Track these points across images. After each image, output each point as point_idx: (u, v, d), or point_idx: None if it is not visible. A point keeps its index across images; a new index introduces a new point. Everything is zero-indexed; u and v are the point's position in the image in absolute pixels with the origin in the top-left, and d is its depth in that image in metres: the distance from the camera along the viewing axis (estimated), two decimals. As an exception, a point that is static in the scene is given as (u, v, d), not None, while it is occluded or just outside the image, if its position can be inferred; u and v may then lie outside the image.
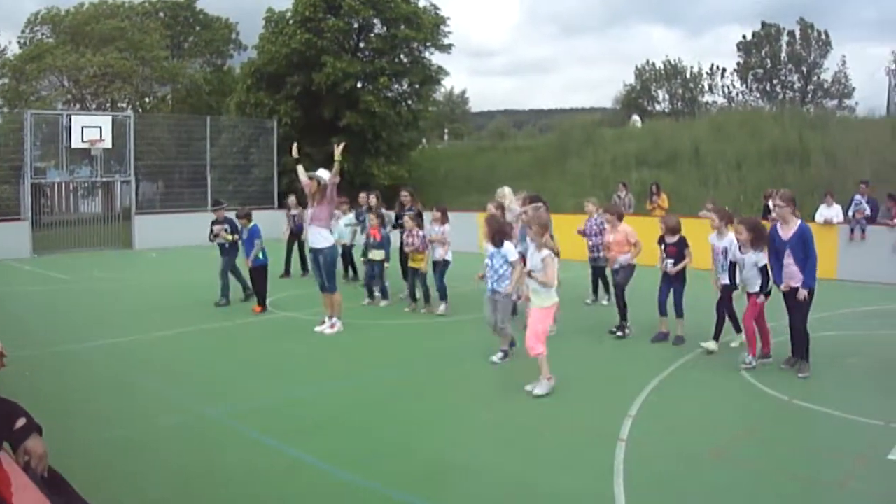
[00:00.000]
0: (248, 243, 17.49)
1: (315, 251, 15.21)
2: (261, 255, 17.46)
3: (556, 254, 11.60)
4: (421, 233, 17.16)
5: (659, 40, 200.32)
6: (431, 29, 42.09)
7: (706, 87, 75.66)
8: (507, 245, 12.52)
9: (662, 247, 14.06)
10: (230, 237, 18.17)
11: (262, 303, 17.41)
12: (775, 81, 72.38)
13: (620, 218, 15.12)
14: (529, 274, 11.25)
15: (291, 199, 23.66)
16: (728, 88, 74.66)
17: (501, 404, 10.66)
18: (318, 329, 15.15)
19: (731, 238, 13.07)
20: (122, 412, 10.17)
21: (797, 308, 11.60)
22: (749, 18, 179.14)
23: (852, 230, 23.22)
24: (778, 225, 11.61)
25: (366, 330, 15.64)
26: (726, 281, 13.23)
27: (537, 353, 10.97)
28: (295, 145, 17.14)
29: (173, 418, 9.85)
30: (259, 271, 17.48)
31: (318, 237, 15.01)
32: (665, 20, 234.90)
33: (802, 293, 11.34)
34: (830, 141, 33.51)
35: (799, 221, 11.67)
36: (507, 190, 16.69)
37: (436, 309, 17.10)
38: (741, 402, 10.65)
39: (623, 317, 14.77)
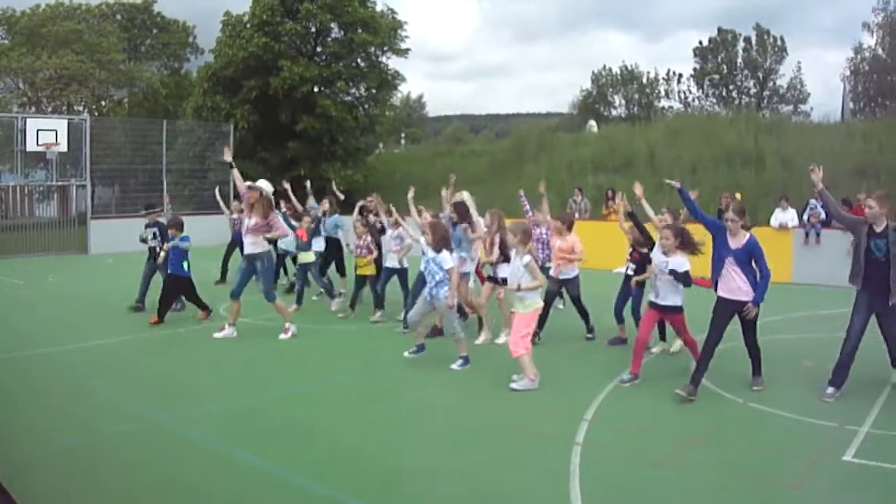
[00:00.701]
0: (175, 253, 16.71)
1: (253, 257, 14.99)
2: (186, 267, 16.82)
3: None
4: (368, 238, 16.94)
5: (617, 45, 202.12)
6: (388, 33, 42.14)
7: (662, 93, 76.37)
8: (444, 253, 12.77)
9: (628, 253, 14.18)
10: (163, 253, 17.37)
11: (203, 307, 17.11)
12: (731, 87, 73.10)
13: (570, 226, 14.92)
14: (518, 288, 11.38)
15: (235, 205, 23.03)
16: (684, 94, 75.57)
17: (458, 409, 10.67)
18: (217, 335, 15.05)
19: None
20: (73, 419, 10.04)
21: (745, 324, 11.24)
22: (707, 24, 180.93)
23: (807, 234, 23.50)
24: (726, 232, 11.27)
25: (321, 335, 15.60)
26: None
27: (519, 354, 11.26)
28: (227, 149, 16.50)
29: (126, 425, 9.75)
30: (177, 281, 16.78)
31: (256, 243, 14.95)
32: (623, 25, 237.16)
33: (751, 308, 10.92)
34: (786, 146, 33.77)
35: (748, 235, 11.25)
36: (465, 195, 16.48)
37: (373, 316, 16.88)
38: (696, 405, 10.66)
39: (587, 323, 14.96)
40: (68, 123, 33.91)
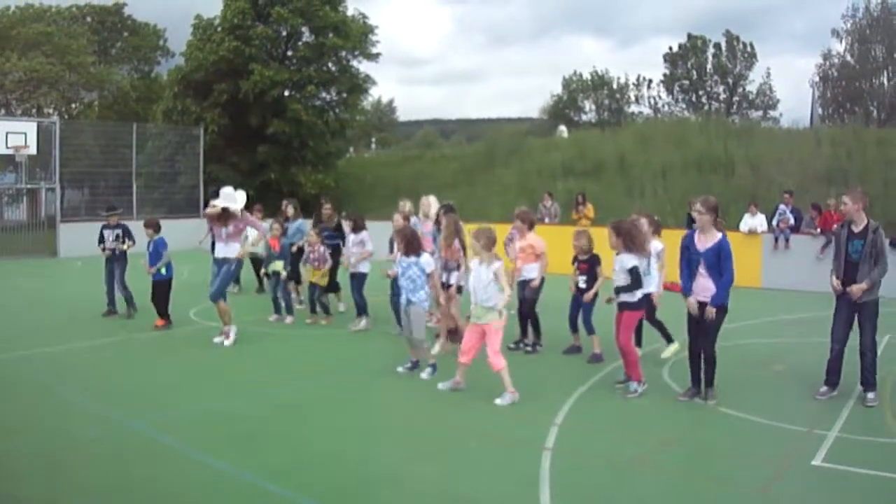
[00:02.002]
0: (154, 255, 16.32)
1: (223, 261, 14.91)
2: (164, 270, 16.37)
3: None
4: (321, 248, 16.88)
5: (589, 51, 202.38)
6: (359, 38, 42.12)
7: (633, 98, 76.53)
8: (426, 256, 12.56)
9: (575, 264, 14.04)
10: (125, 246, 17.66)
11: (163, 315, 16.49)
12: (701, 92, 73.42)
13: (531, 226, 14.65)
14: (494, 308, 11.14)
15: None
16: (654, 99, 75.65)
17: (426, 415, 10.66)
18: (217, 339, 14.96)
19: (655, 243, 13.44)
20: (38, 424, 10.00)
21: (704, 328, 10.92)
22: (678, 30, 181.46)
23: (776, 239, 23.63)
24: (696, 234, 11.17)
25: (286, 341, 15.54)
26: (653, 289, 13.29)
27: (501, 367, 10.99)
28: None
29: (92, 430, 9.69)
30: (161, 286, 16.43)
31: (230, 250, 14.86)
32: (595, 31, 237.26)
33: (710, 311, 10.73)
34: (755, 151, 34.03)
35: (720, 235, 11.01)
36: (432, 198, 16.55)
37: (356, 325, 16.54)
38: (665, 410, 10.73)
39: (525, 332, 14.68)
40: (38, 126, 33.69)
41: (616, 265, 11.55)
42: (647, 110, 74.34)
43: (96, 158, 37.55)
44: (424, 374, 12.42)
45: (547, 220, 27.42)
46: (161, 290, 16.43)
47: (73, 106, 54.97)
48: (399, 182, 39.85)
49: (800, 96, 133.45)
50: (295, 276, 18.69)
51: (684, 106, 73.43)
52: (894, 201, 27.06)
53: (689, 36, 74.40)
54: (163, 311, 16.48)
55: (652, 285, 13.20)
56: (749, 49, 72.92)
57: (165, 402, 11.00)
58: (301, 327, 16.66)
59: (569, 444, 9.29)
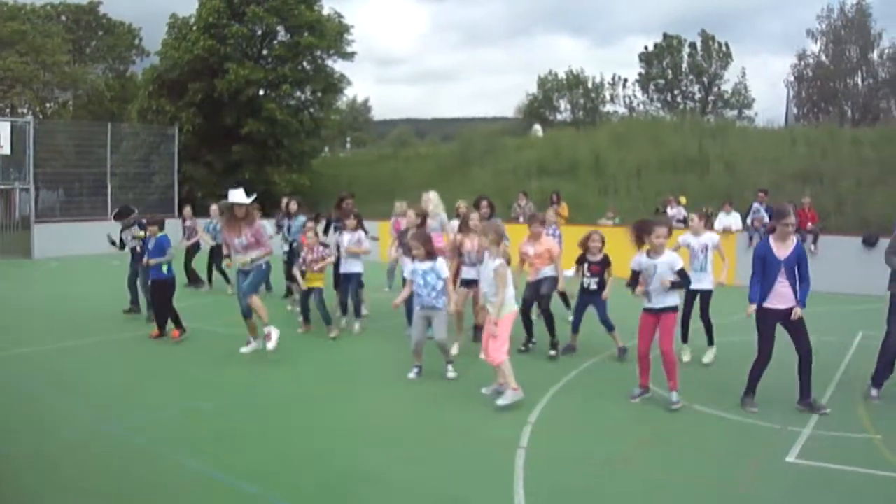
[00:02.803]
0: (156, 249, 15.19)
1: (247, 273, 13.73)
2: (165, 269, 15.22)
3: (508, 262, 11.32)
4: (320, 248, 15.81)
5: (565, 50, 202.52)
6: (335, 37, 42.21)
7: (608, 97, 76.64)
8: (441, 261, 12.21)
9: (585, 266, 13.77)
10: (141, 234, 16.60)
11: (161, 324, 15.27)
12: (676, 92, 73.60)
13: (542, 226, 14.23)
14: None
15: (187, 210, 23.04)
16: (630, 98, 75.80)
17: (401, 414, 10.69)
18: (244, 350, 13.70)
19: (710, 235, 13.45)
20: (17, 426, 9.93)
21: (796, 332, 10.58)
22: (655, 30, 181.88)
23: (751, 237, 23.75)
24: (771, 240, 10.70)
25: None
26: (710, 285, 13.36)
27: (502, 360, 10.78)
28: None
29: (72, 432, 9.63)
30: (162, 287, 15.28)
31: (253, 255, 13.65)
32: (571, 30, 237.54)
33: (799, 311, 10.43)
34: (730, 150, 34.22)
35: (797, 240, 10.69)
36: (432, 195, 16.07)
37: (351, 327, 16.04)
38: (640, 409, 10.75)
39: (530, 332, 14.37)
40: (12, 126, 33.50)
41: (660, 268, 10.73)
42: (622, 109, 74.60)
43: (71, 158, 37.44)
44: (452, 374, 12.30)
45: (522, 219, 27.44)
46: (162, 292, 15.35)
47: (48, 105, 54.72)
48: (374, 181, 39.85)
49: (775, 96, 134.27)
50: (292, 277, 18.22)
51: (659, 105, 73.68)
52: (868, 200, 27.22)
53: (665, 35, 74.65)
54: (161, 319, 15.34)
55: (707, 281, 13.33)
56: (724, 49, 73.19)
57: (141, 404, 10.91)
58: (279, 327, 15.12)
59: (544, 442, 9.31)
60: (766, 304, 10.53)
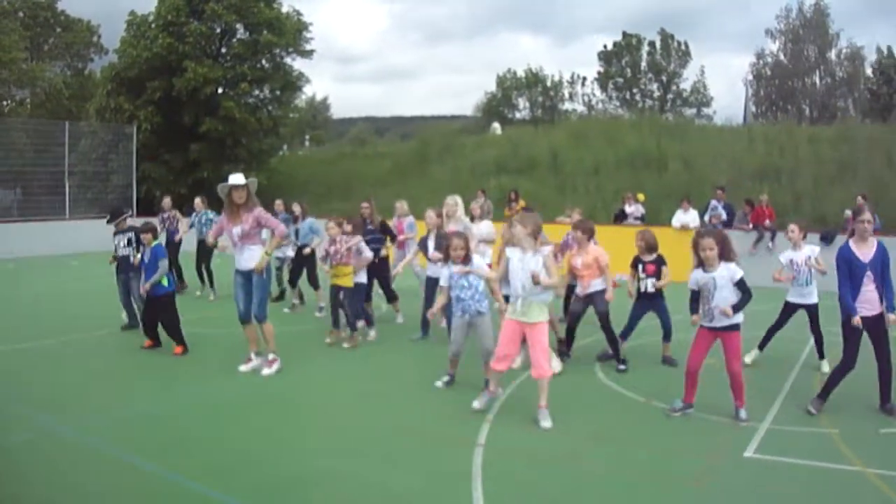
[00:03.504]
0: (151, 266, 13.92)
1: (251, 271, 12.35)
2: (165, 282, 13.98)
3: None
4: (346, 239, 14.39)
5: (526, 48, 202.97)
6: (294, 35, 42.18)
7: (566, 96, 76.82)
8: (477, 258, 11.39)
9: (640, 267, 13.07)
10: (137, 258, 14.91)
11: (180, 341, 13.98)
12: (635, 90, 73.92)
13: (591, 236, 13.17)
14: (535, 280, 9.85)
15: (166, 202, 21.83)
16: (588, 97, 76.03)
17: (359, 412, 10.68)
18: (244, 368, 12.68)
19: (811, 248, 12.50)
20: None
21: (880, 340, 10.10)
22: (616, 29, 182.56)
23: (708, 234, 23.80)
24: (852, 244, 10.18)
25: (217, 340, 15.12)
26: (816, 299, 12.57)
27: (549, 373, 10.04)
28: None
29: (21, 435, 9.54)
30: (164, 302, 14.02)
31: (254, 257, 12.30)
32: (532, 28, 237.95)
33: (892, 318, 9.88)
34: (688, 148, 34.50)
35: (877, 241, 10.14)
36: (457, 199, 15.32)
37: (367, 336, 15.01)
38: (598, 405, 10.86)
39: (569, 344, 13.47)
40: (-32, 124, 33.28)
41: (718, 280, 9.89)
42: (580, 108, 74.84)
43: (28, 157, 37.07)
44: (498, 391, 10.96)
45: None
46: (166, 307, 14.06)
47: (5, 103, 54.29)
48: (332, 180, 39.89)
49: (734, 94, 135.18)
50: (312, 281, 18.09)
51: (618, 104, 74.03)
52: (825, 198, 27.50)
53: (625, 34, 74.99)
54: (176, 334, 14.03)
55: (813, 295, 12.60)
56: (683, 47, 73.64)
57: (94, 406, 10.82)
58: (234, 325, 13.87)
59: (502, 438, 9.36)
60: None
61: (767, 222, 24.15)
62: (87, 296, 17.39)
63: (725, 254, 9.97)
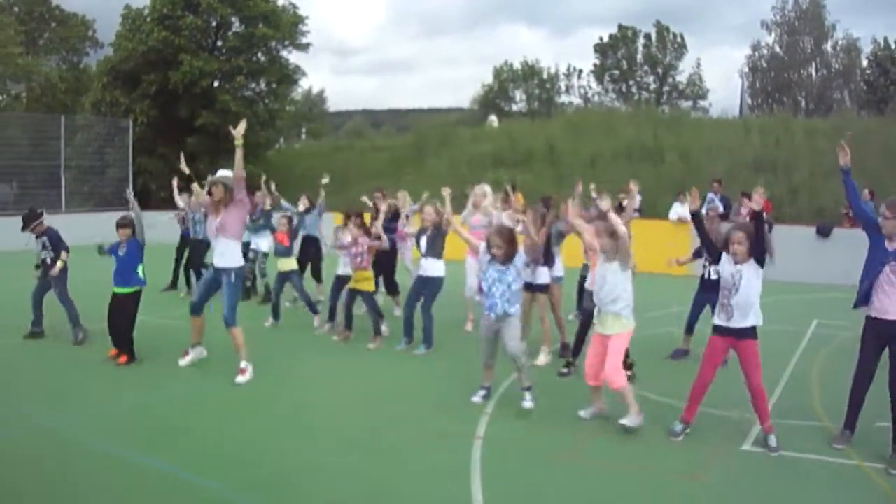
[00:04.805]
0: (128, 261, 12.79)
1: (221, 271, 11.92)
2: (141, 273, 12.91)
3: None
4: (365, 241, 13.95)
5: (523, 41, 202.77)
6: (289, 28, 42.24)
7: (563, 88, 76.92)
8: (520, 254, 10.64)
9: (705, 255, 12.73)
10: (56, 269, 13.96)
11: (129, 350, 12.82)
12: (631, 82, 74.03)
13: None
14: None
15: (190, 193, 20.18)
16: (584, 89, 76.16)
17: (358, 406, 10.67)
18: (182, 362, 12.52)
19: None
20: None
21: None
22: (612, 21, 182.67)
23: (705, 226, 23.83)
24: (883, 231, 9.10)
25: (210, 338, 14.62)
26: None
27: (621, 385, 9.56)
28: (182, 158, 14.87)
29: (5, 431, 9.47)
30: (134, 296, 12.93)
31: (228, 253, 11.91)
32: (528, 21, 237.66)
33: None
34: (684, 140, 34.46)
35: None
36: (487, 189, 15.45)
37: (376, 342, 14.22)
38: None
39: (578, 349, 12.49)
40: (-37, 119, 33.20)
41: (745, 273, 9.13)
42: (577, 100, 74.97)
43: (24, 151, 37.01)
44: (528, 403, 10.50)
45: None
46: (131, 304, 12.97)
47: (0, 98, 54.26)
48: (328, 172, 39.77)
49: (730, 87, 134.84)
50: (316, 274, 18.02)
51: (614, 96, 74.16)
52: (821, 190, 27.45)
53: (620, 27, 75.03)
54: (127, 339, 12.89)
55: None
56: (679, 40, 73.75)
57: (84, 400, 10.82)
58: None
59: (500, 432, 9.40)
60: (874, 315, 9.07)
61: (764, 214, 24.11)
62: (76, 288, 17.15)
63: (756, 250, 9.12)
